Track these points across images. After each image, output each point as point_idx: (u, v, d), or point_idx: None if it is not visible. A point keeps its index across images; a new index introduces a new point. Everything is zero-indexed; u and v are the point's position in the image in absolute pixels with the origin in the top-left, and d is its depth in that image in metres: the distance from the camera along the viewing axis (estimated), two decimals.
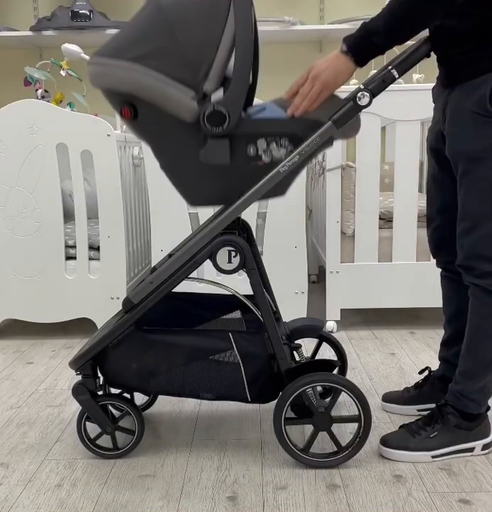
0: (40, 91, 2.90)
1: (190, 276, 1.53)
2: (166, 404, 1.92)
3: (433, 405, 1.63)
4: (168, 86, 1.37)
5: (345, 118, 1.44)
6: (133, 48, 1.38)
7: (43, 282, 2.55)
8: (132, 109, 1.42)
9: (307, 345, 2.26)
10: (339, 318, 2.60)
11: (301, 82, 1.44)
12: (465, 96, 1.43)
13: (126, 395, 1.74)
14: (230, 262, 1.48)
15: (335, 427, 1.53)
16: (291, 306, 2.53)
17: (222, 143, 1.43)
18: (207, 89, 1.39)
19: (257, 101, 1.67)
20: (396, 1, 1.36)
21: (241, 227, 1.65)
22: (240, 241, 1.47)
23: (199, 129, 1.41)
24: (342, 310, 2.61)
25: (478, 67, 1.40)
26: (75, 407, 1.88)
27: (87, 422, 1.59)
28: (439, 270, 1.74)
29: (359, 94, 1.42)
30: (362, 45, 1.40)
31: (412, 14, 1.36)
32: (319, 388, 1.71)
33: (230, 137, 1.42)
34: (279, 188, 1.49)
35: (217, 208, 1.71)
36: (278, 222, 2.55)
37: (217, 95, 1.40)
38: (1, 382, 2.15)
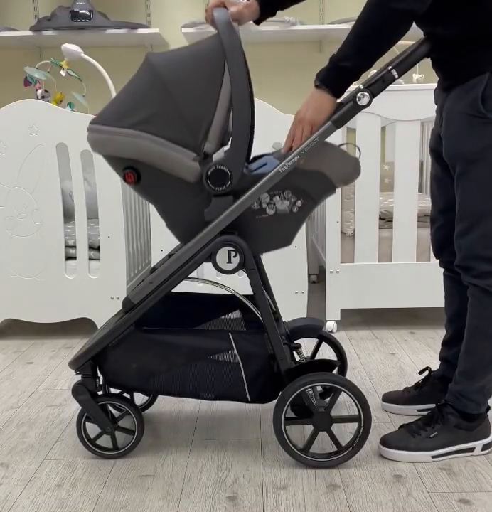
0: (40, 91, 2.90)
1: (189, 276, 1.53)
2: (166, 404, 1.92)
3: (433, 405, 1.63)
4: (168, 149, 1.40)
5: (345, 118, 1.44)
6: (131, 115, 1.40)
7: (43, 282, 2.55)
8: (135, 173, 1.45)
9: (307, 345, 2.26)
10: (339, 318, 2.60)
11: (292, 132, 1.46)
12: (459, 99, 1.44)
13: (125, 395, 1.74)
14: (229, 261, 1.48)
15: (335, 427, 1.53)
16: (291, 306, 2.53)
17: (226, 200, 1.46)
18: (208, 150, 1.42)
19: (256, 100, 1.67)
20: (359, 24, 1.37)
21: None
22: (240, 241, 1.47)
23: (202, 188, 1.44)
24: (342, 310, 2.61)
25: (469, 71, 1.41)
26: (75, 407, 1.88)
27: (87, 423, 1.59)
28: (441, 270, 1.75)
29: (359, 95, 1.42)
30: (334, 75, 1.40)
31: (377, 33, 1.36)
32: (319, 388, 1.71)
33: (233, 193, 1.46)
34: (284, 238, 1.52)
35: None
36: None
37: (219, 154, 1.43)
38: (1, 382, 2.15)
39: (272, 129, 2.32)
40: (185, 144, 1.41)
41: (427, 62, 1.53)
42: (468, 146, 1.43)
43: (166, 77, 1.40)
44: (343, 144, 1.53)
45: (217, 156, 1.45)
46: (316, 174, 1.47)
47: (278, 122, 2.37)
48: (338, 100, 1.44)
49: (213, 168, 1.42)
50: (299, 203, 1.49)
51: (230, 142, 1.44)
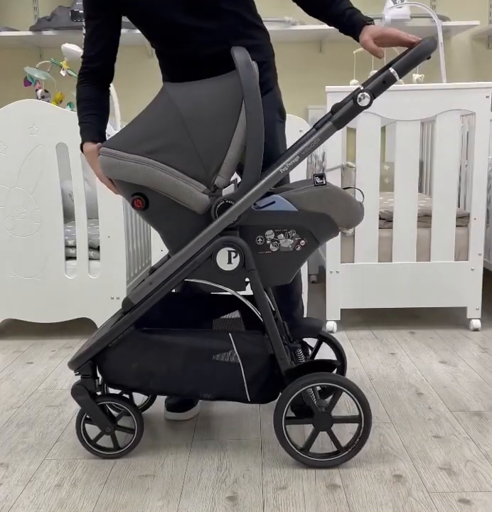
0: (40, 91, 2.90)
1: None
2: None
3: None
4: (179, 180, 1.42)
5: (346, 119, 1.44)
6: (146, 143, 1.43)
7: (43, 282, 2.55)
8: (143, 199, 1.46)
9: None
10: (339, 318, 2.60)
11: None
12: None
13: (125, 394, 1.74)
14: (230, 262, 1.48)
15: (335, 427, 1.53)
16: None
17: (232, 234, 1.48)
18: (219, 184, 1.44)
19: None
20: None
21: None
22: (240, 241, 1.48)
23: (209, 221, 1.47)
24: (342, 310, 2.61)
25: None
26: (75, 407, 1.88)
27: (86, 424, 1.59)
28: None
29: (359, 95, 1.42)
30: None
31: None
32: (318, 388, 1.71)
33: (239, 228, 1.48)
34: (284, 276, 1.54)
35: None
36: None
37: (229, 188, 1.45)
38: (1, 382, 2.15)
39: None
40: (196, 176, 1.43)
41: (427, 62, 1.53)
42: None
43: (185, 114, 1.42)
44: (347, 188, 1.55)
45: (228, 190, 1.47)
46: (322, 216, 1.50)
47: None
48: (338, 102, 1.44)
49: (223, 202, 1.44)
50: (303, 242, 1.51)
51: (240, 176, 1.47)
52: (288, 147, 1.70)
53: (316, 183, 1.50)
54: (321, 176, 1.50)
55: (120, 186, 1.50)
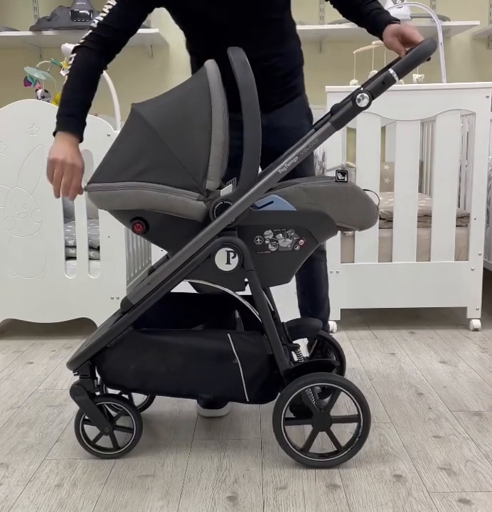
0: (40, 91, 2.90)
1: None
2: (165, 404, 1.92)
3: None
4: (170, 194, 1.42)
5: (345, 119, 1.44)
6: (129, 168, 1.43)
7: (43, 282, 2.55)
8: (143, 222, 1.47)
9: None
10: (339, 318, 2.60)
11: None
12: None
13: (123, 394, 1.74)
14: (228, 262, 1.48)
15: (335, 427, 1.53)
16: (291, 306, 2.52)
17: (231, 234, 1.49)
18: (210, 187, 1.44)
19: None
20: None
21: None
22: (239, 242, 1.48)
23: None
24: (342, 310, 2.61)
25: None
26: (75, 407, 1.88)
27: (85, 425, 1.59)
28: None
29: (358, 96, 1.42)
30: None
31: None
32: (317, 388, 1.71)
33: (238, 228, 1.48)
34: (283, 275, 1.54)
35: None
36: None
37: (226, 189, 1.45)
38: (1, 382, 2.15)
39: None
40: (186, 187, 1.43)
41: (427, 62, 1.53)
42: None
43: (157, 127, 1.42)
44: (366, 190, 1.54)
45: (226, 190, 1.47)
46: (321, 216, 1.49)
47: None
48: (337, 102, 1.44)
49: (221, 202, 1.45)
50: (301, 242, 1.51)
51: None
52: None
53: (338, 179, 1.50)
54: (344, 173, 1.49)
55: (118, 215, 1.50)
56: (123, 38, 1.66)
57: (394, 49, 1.59)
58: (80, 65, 1.62)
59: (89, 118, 2.46)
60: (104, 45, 1.64)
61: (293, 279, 1.98)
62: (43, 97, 2.88)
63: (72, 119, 1.63)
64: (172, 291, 1.55)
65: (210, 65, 1.45)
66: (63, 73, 2.91)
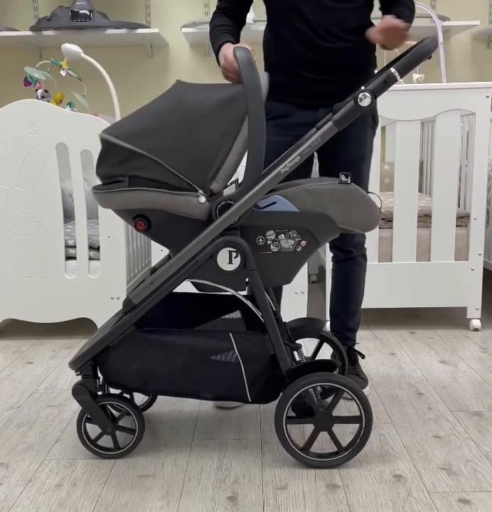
0: (40, 91, 2.90)
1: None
2: (165, 404, 1.92)
3: None
4: (172, 194, 1.42)
5: (346, 118, 1.44)
6: (147, 138, 1.42)
7: (43, 282, 2.55)
8: (145, 220, 1.47)
9: (307, 345, 2.26)
10: None
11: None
12: None
13: (125, 394, 1.74)
14: (230, 262, 1.48)
15: (336, 427, 1.53)
16: (291, 306, 2.53)
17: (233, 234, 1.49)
18: (215, 189, 1.45)
19: None
20: None
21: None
22: (241, 241, 1.48)
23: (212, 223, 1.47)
24: None
25: None
26: (75, 407, 1.88)
27: (87, 423, 1.59)
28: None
29: (360, 95, 1.42)
30: None
31: None
32: (319, 388, 1.71)
33: (240, 228, 1.48)
34: (285, 276, 1.55)
35: None
36: None
37: (229, 189, 1.46)
38: (1, 382, 2.15)
39: None
40: (192, 180, 1.42)
41: (427, 62, 1.53)
42: None
43: (192, 118, 1.42)
44: (369, 193, 1.54)
45: (229, 190, 1.48)
46: (322, 217, 1.50)
47: None
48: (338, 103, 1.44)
49: (224, 202, 1.45)
50: (303, 242, 1.52)
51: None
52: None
53: (341, 181, 1.50)
54: (347, 175, 1.50)
55: (120, 214, 1.51)
56: (242, 9, 1.84)
57: (370, 39, 1.60)
58: (219, 23, 1.78)
59: (90, 118, 2.48)
60: (228, 13, 1.81)
61: (294, 279, 1.99)
62: (42, 97, 2.88)
63: (221, 35, 1.74)
64: (174, 291, 1.55)
65: (265, 79, 1.47)
66: (63, 73, 2.92)
